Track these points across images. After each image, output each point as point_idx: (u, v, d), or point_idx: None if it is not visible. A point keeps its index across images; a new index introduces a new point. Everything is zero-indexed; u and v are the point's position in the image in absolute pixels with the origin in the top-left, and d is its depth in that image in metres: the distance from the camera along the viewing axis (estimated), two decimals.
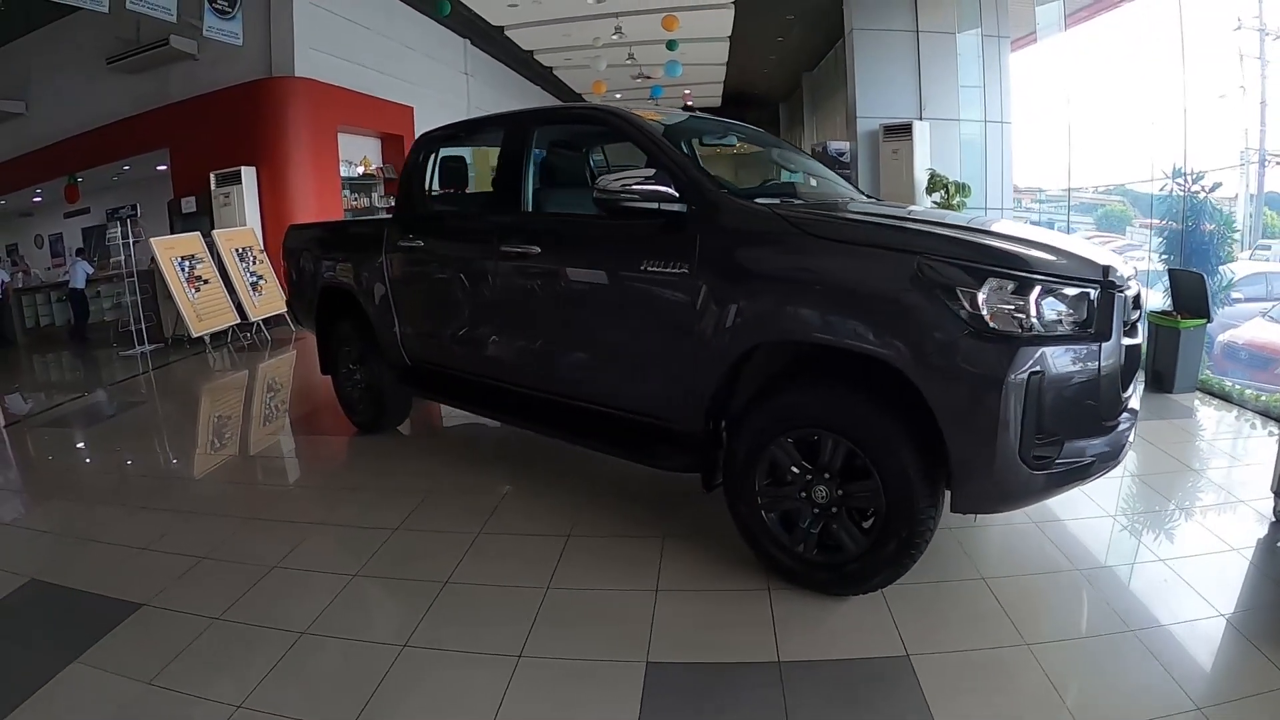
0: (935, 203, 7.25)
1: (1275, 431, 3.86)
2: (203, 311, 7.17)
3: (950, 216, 3.11)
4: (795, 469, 2.33)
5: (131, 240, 7.73)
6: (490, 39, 13.85)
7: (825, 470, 2.27)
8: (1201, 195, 5.20)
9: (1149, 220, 6.55)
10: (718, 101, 22.71)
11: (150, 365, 6.98)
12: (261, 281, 7.96)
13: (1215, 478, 3.35)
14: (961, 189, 7.11)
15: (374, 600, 2.51)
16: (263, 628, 2.31)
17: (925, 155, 7.66)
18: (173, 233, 7.57)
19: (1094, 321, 2.06)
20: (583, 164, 3.97)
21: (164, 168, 9.00)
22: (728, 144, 3.82)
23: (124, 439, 4.88)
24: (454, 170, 3.88)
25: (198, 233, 7.49)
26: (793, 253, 2.31)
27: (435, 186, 3.91)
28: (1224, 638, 2.13)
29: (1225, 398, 4.36)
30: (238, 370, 6.77)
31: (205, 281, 7.28)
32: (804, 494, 2.34)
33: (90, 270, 9.34)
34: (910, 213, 2.90)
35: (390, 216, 4.02)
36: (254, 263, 7.93)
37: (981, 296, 1.97)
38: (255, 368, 6.80)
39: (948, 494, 2.16)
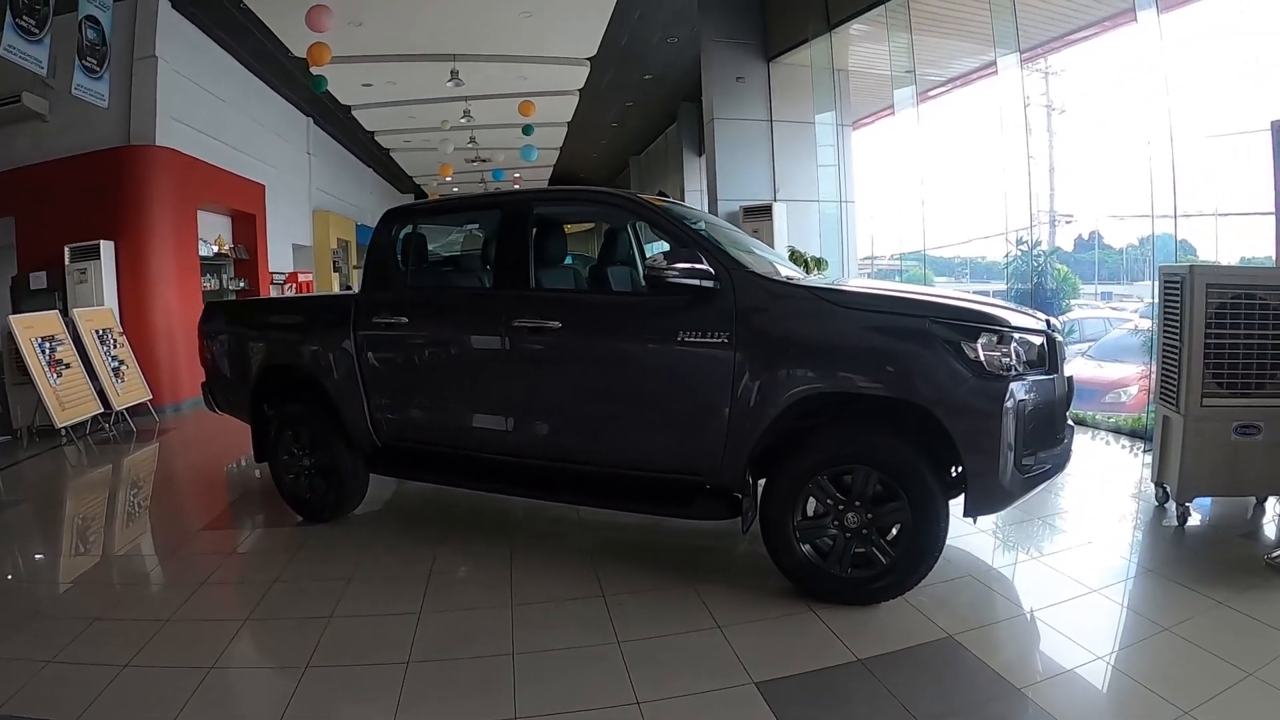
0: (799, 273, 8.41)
1: (1127, 444, 5.24)
2: (65, 399, 6.39)
3: (914, 288, 3.94)
4: (830, 501, 2.84)
5: None
6: (334, 118, 13.69)
7: (856, 499, 2.82)
8: (1040, 259, 6.63)
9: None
10: (544, 184, 23.70)
11: None
12: (123, 366, 7.25)
13: (1104, 475, 4.61)
14: (819, 263, 8.33)
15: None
16: None
17: (784, 232, 8.84)
18: (16, 312, 6.69)
19: (1046, 360, 2.88)
20: (585, 244, 4.33)
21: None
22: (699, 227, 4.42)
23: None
24: (438, 247, 4.05)
25: (56, 311, 6.70)
26: (827, 320, 2.88)
27: (412, 263, 3.96)
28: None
29: (1080, 422, 5.67)
30: (104, 465, 6.09)
31: (66, 365, 6.51)
32: (836, 522, 2.85)
33: None
34: (888, 287, 3.67)
35: (356, 293, 4.00)
36: (114, 346, 7.21)
37: (979, 347, 2.70)
38: (129, 462, 6.15)
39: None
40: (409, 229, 3.96)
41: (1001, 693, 2.34)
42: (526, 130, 13.10)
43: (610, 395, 3.22)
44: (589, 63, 11.93)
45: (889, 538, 2.84)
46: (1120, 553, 3.45)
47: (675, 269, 2.89)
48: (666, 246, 3.14)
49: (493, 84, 12.18)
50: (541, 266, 3.57)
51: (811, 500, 2.90)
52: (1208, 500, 3.82)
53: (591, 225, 8.00)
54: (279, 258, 11.17)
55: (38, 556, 4.11)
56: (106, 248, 7.35)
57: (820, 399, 2.85)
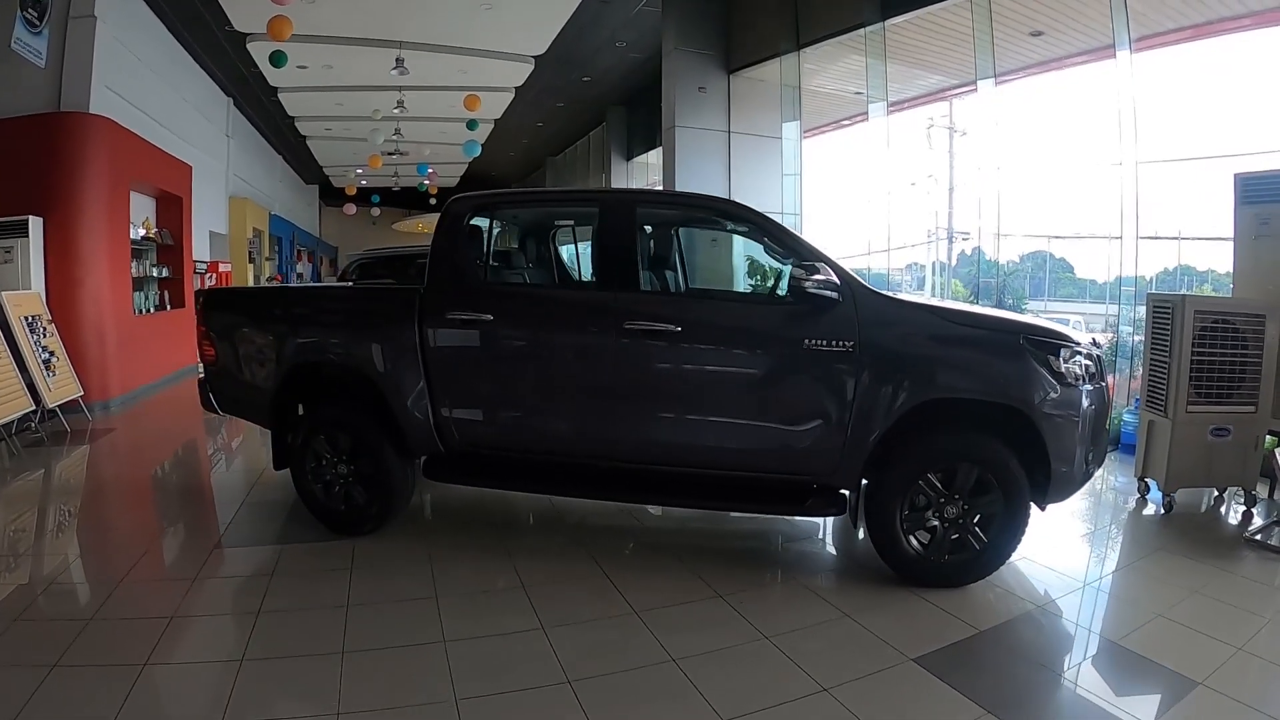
0: (753, 284, 8.81)
1: None
2: None
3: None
4: (933, 495, 3.18)
5: None
6: (256, 101, 12.81)
7: (957, 493, 3.18)
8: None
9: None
10: (455, 182, 23.12)
11: None
12: (54, 359, 6.50)
13: None
14: (779, 273, 8.80)
15: None
16: None
17: (740, 242, 9.24)
18: None
19: (1099, 373, 3.35)
20: (677, 246, 4.23)
21: None
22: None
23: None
24: (529, 241, 3.91)
25: None
26: (940, 334, 3.23)
27: (493, 257, 3.79)
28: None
29: None
30: (36, 470, 5.34)
31: None
32: (937, 514, 3.19)
33: None
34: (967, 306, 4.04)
35: (423, 286, 3.68)
36: (44, 335, 6.45)
37: (1062, 361, 3.13)
38: (72, 466, 5.50)
39: None
40: (483, 220, 3.80)
41: (1102, 645, 2.82)
42: (471, 125, 12.83)
43: (732, 398, 3.31)
44: (534, 61, 11.89)
45: (982, 527, 3.20)
46: (1131, 536, 4.06)
47: (814, 280, 3.10)
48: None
49: (430, 76, 11.85)
50: (652, 268, 3.60)
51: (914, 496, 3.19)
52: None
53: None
54: (197, 246, 10.32)
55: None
56: (35, 224, 6.57)
57: (924, 405, 3.15)
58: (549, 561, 3.56)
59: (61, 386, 6.52)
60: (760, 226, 3.50)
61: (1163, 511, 4.24)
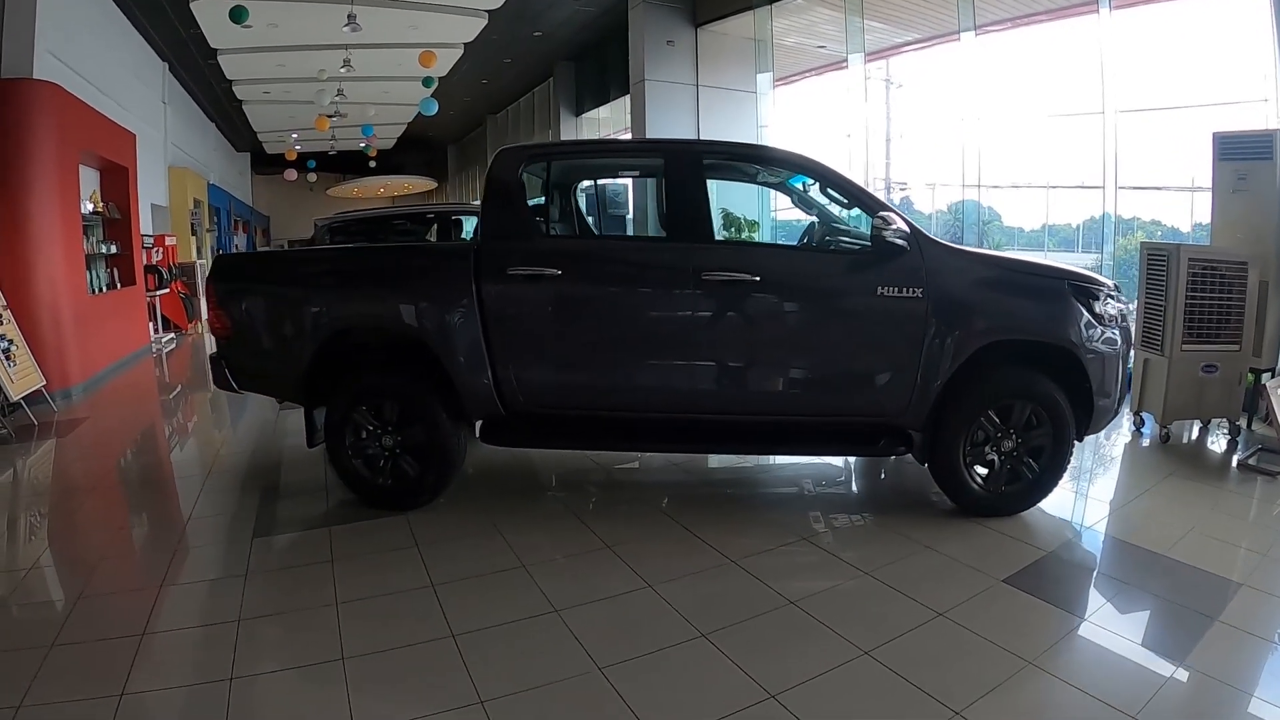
0: (728, 236, 8.97)
1: None
2: None
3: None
4: (991, 429, 3.43)
5: None
6: (192, 65, 11.94)
7: (1012, 427, 3.43)
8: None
9: None
10: (392, 143, 22.23)
11: None
12: (13, 347, 6.04)
13: None
14: (752, 225, 8.97)
15: None
16: None
17: (714, 195, 9.35)
18: None
19: (1123, 314, 3.64)
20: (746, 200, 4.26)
21: None
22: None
23: None
24: (596, 194, 3.83)
25: None
26: (1001, 280, 3.46)
27: (556, 210, 3.73)
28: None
29: None
30: (5, 471, 4.78)
31: None
32: (996, 448, 3.45)
33: None
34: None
35: (478, 240, 3.61)
36: (1, 322, 5.99)
37: (1099, 303, 3.39)
38: (57, 464, 5.04)
39: None
40: (539, 171, 3.70)
41: (1151, 557, 3.15)
42: (427, 82, 12.35)
43: (811, 345, 3.42)
44: (487, 15, 11.50)
45: (1033, 458, 3.46)
46: (1141, 465, 4.48)
47: (893, 229, 3.23)
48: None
49: (380, 33, 11.31)
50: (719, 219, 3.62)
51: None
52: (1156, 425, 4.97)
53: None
54: (140, 219, 9.68)
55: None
56: None
57: (986, 347, 3.36)
58: (619, 521, 3.58)
59: (24, 377, 6.07)
60: (828, 178, 3.61)
61: (1160, 442, 4.65)
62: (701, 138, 9.65)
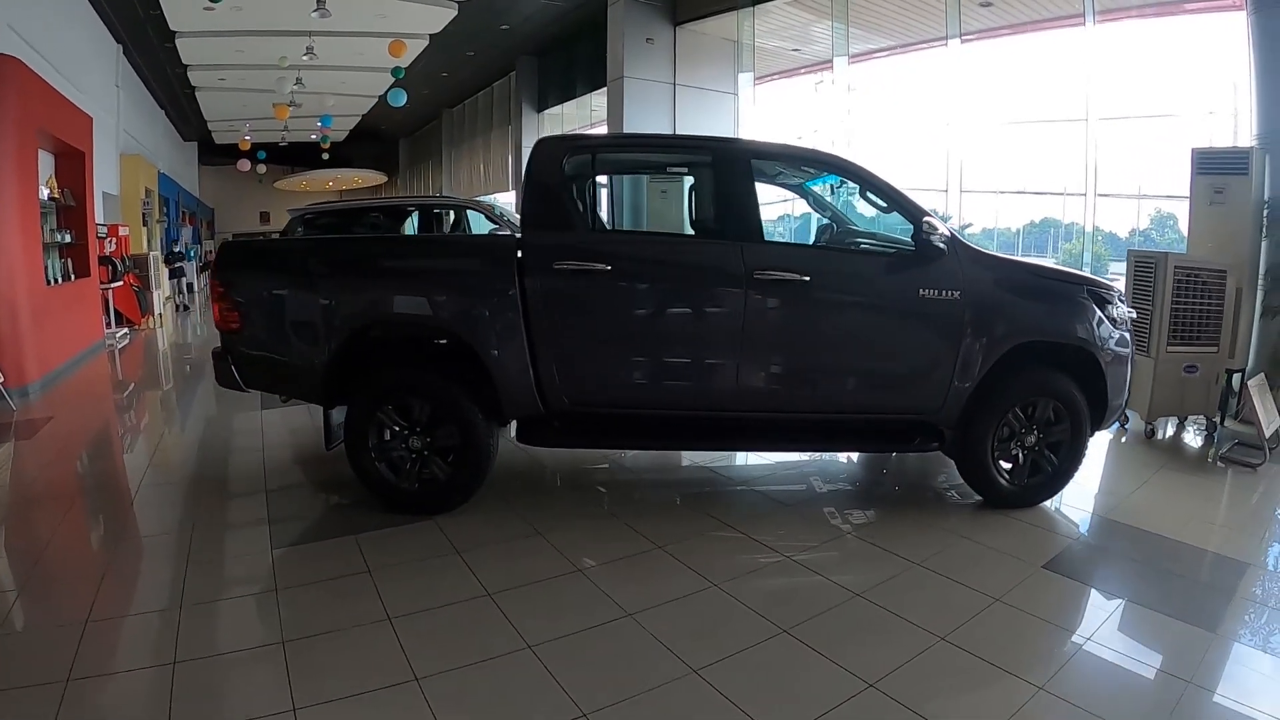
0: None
1: None
2: None
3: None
4: (1017, 425, 3.60)
5: None
6: (147, 48, 11.32)
7: (1035, 423, 3.62)
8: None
9: None
10: (344, 135, 21.58)
11: None
12: None
13: None
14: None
15: None
16: None
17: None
18: None
19: (1129, 319, 3.87)
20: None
21: None
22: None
23: None
24: (636, 189, 3.82)
25: None
26: (1031, 284, 3.63)
27: (601, 205, 3.73)
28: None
29: None
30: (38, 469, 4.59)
31: None
32: (1019, 443, 3.63)
33: None
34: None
35: (520, 234, 3.47)
36: None
37: (1112, 307, 3.61)
38: (41, 469, 4.67)
39: None
40: (584, 165, 3.66)
41: (1169, 543, 3.37)
42: (396, 72, 12.03)
43: (858, 346, 3.50)
44: (458, 6, 11.32)
45: (1053, 453, 3.65)
46: (1133, 459, 4.72)
47: (938, 234, 3.37)
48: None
49: (346, 21, 10.98)
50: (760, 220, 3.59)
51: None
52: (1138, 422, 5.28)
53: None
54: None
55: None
56: None
57: (1016, 348, 3.52)
58: (655, 518, 3.58)
59: None
60: (870, 183, 3.68)
61: (1145, 438, 4.95)
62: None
